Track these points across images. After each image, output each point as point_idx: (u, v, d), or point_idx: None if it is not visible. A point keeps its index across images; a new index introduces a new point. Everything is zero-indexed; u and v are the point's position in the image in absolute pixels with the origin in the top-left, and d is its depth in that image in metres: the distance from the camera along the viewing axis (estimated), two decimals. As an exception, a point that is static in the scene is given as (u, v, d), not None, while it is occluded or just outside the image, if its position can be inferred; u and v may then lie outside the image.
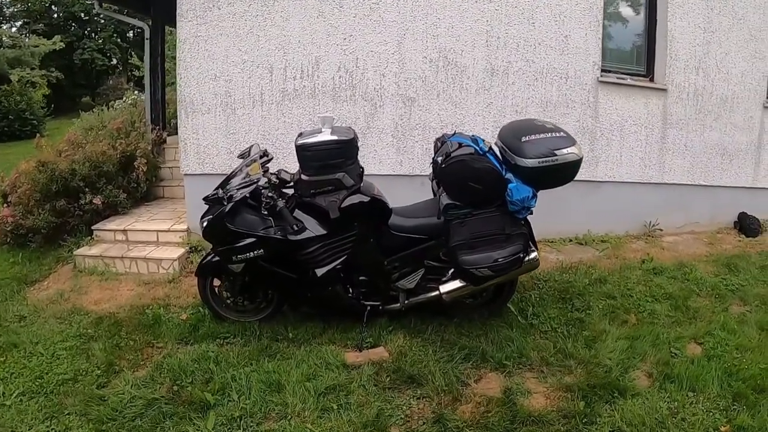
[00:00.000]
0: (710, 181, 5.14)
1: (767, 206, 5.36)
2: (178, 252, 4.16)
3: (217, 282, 3.27)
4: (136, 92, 7.61)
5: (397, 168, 4.57)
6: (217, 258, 3.07)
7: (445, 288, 3.05)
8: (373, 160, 4.42)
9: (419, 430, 2.40)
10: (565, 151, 2.72)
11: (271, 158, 3.14)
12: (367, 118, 4.43)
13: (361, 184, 2.97)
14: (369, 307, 3.10)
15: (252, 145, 3.26)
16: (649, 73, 4.93)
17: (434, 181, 3.18)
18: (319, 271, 2.94)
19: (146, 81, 6.24)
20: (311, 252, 2.91)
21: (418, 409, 2.54)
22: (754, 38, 4.88)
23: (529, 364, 2.92)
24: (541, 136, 2.77)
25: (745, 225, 5.13)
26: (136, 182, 4.79)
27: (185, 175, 4.37)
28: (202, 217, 3.00)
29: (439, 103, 4.52)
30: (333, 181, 2.87)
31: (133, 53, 14.96)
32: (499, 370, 2.86)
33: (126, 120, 5.00)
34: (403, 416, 2.49)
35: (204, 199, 2.96)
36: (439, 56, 4.43)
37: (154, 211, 4.86)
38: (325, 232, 2.93)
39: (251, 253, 2.89)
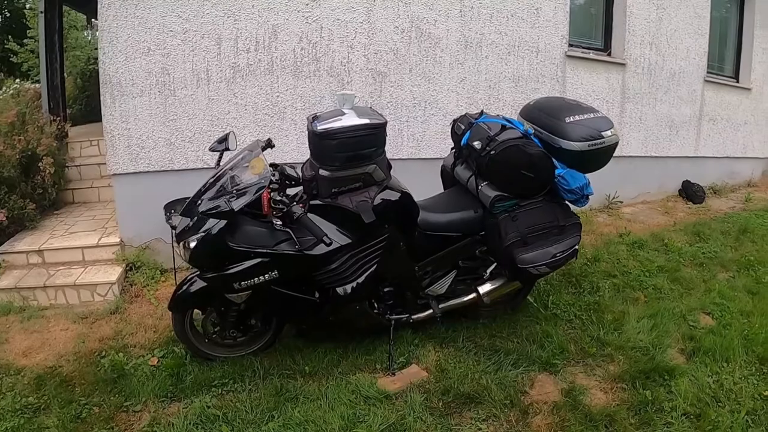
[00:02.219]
0: (660, 152, 5.73)
1: (707, 173, 6.15)
2: (114, 272, 3.53)
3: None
4: (17, 81, 6.32)
5: None
6: (201, 286, 2.62)
7: (484, 288, 2.98)
8: None
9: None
10: (609, 132, 2.78)
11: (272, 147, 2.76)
12: (333, 96, 4.12)
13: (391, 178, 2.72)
14: (393, 322, 2.90)
15: (228, 133, 2.82)
16: (607, 48, 5.30)
17: (456, 169, 3.04)
18: (345, 289, 2.64)
19: (42, 64, 5.45)
20: (337, 267, 2.60)
21: (490, 431, 2.43)
22: (698, 16, 5.48)
23: (571, 358, 2.99)
24: (585, 116, 2.78)
25: (691, 192, 5.81)
26: (42, 187, 3.95)
27: (114, 175, 3.69)
28: (182, 235, 2.48)
29: (412, 78, 4.39)
30: (362, 176, 2.56)
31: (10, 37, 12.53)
32: (548, 370, 2.88)
33: (19, 112, 4.06)
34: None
35: (204, 213, 2.41)
36: (412, 26, 4.28)
37: (70, 222, 4.07)
38: (349, 240, 2.61)
39: (262, 277, 2.47)
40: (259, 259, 2.46)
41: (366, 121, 2.49)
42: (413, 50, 4.33)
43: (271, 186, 2.56)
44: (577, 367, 2.91)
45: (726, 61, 6.32)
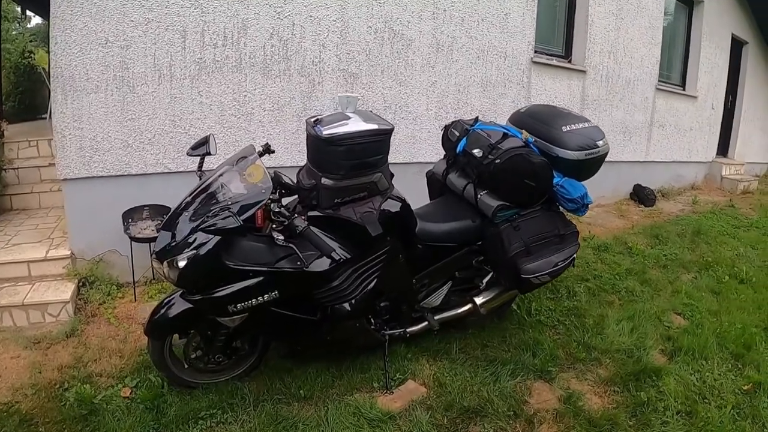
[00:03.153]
0: (615, 157, 6.05)
1: (655, 177, 6.59)
2: (66, 290, 3.23)
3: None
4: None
5: None
6: (183, 308, 2.40)
7: (480, 299, 2.98)
8: None
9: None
10: (601, 142, 2.88)
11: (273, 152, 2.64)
12: (303, 97, 4.03)
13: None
14: (388, 337, 2.83)
15: (208, 136, 2.66)
16: (568, 55, 5.54)
17: (449, 177, 3.04)
18: (345, 306, 2.51)
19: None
20: (340, 284, 2.48)
21: (501, 446, 2.45)
22: (652, 26, 5.87)
23: (562, 364, 3.07)
24: (580, 126, 2.87)
25: (643, 196, 6.21)
26: (-25, 195, 3.52)
27: (64, 180, 3.36)
28: (165, 253, 2.21)
29: (384, 81, 4.36)
30: (367, 185, 2.47)
31: None
32: (543, 377, 2.93)
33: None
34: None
35: (207, 229, 2.18)
36: (385, 26, 4.26)
37: (10, 232, 3.66)
38: (348, 255, 2.49)
39: (261, 298, 2.28)
40: (258, 279, 2.26)
41: (374, 126, 2.41)
42: (386, 51, 4.31)
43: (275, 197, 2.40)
44: (569, 372, 2.99)
45: (674, 69, 6.83)
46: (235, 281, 2.24)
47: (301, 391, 2.61)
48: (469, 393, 2.72)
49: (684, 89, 6.80)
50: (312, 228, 2.25)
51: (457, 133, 2.99)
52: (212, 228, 2.13)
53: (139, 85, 3.45)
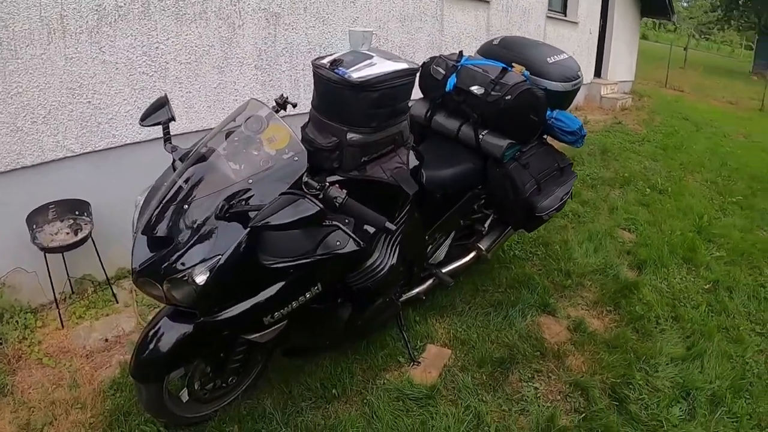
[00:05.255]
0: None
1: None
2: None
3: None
4: None
5: None
6: (182, 335, 1.86)
7: (485, 244, 2.94)
8: (234, 103, 3.59)
9: (577, 404, 2.40)
10: (580, 72, 2.92)
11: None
12: (223, 44, 3.47)
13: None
14: (401, 305, 2.64)
15: (163, 96, 2.13)
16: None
17: (436, 119, 2.85)
18: (377, 284, 2.19)
19: None
20: (375, 259, 2.17)
21: (545, 386, 2.51)
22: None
23: (554, 293, 3.22)
24: (562, 57, 2.86)
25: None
26: None
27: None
28: (159, 270, 1.71)
29: (306, 19, 3.95)
30: (396, 136, 2.18)
31: None
32: (547, 312, 3.05)
33: None
34: (546, 400, 2.42)
35: (219, 216, 1.72)
36: (302, -45, 3.77)
37: None
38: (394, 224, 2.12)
39: (302, 298, 1.87)
40: (300, 274, 1.85)
41: (404, 65, 2.10)
42: (305, -15, 3.85)
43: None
44: (562, 301, 3.16)
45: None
46: (270, 283, 1.81)
47: (334, 391, 2.35)
48: (492, 343, 2.73)
49: (566, 16, 7.26)
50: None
51: (442, 71, 2.78)
52: (262, 222, 1.58)
53: (24, 46, 2.61)
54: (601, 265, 3.53)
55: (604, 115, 7.94)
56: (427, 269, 2.78)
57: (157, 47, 3.12)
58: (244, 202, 1.73)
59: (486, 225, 2.98)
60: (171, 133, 2.08)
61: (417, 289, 2.74)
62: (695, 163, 6.02)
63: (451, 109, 2.82)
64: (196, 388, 2.09)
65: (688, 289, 3.36)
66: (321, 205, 1.59)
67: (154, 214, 1.78)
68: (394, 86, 2.05)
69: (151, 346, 1.88)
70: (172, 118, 2.07)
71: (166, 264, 1.69)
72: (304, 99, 3.98)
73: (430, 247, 2.77)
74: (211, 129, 3.48)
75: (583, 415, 2.29)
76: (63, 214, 2.83)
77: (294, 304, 1.87)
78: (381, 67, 2.03)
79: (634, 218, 4.30)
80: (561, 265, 3.49)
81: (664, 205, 4.65)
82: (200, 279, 1.66)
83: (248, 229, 1.67)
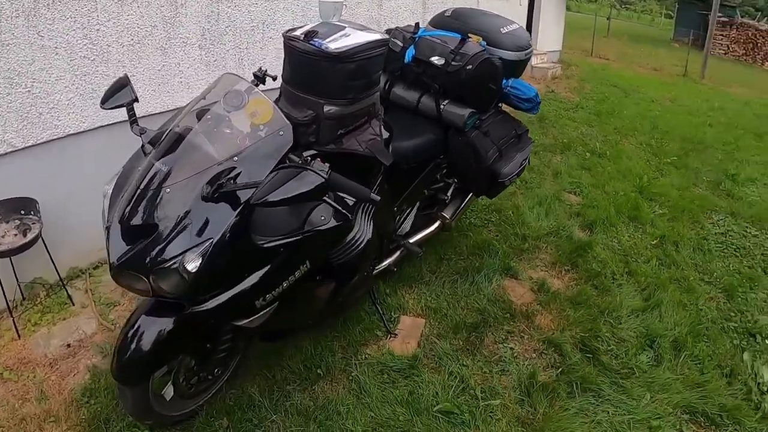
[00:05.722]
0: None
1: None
2: None
3: None
4: None
5: None
6: (165, 331, 1.78)
7: (449, 212, 3.02)
8: (179, 86, 3.46)
9: (553, 360, 2.55)
10: (530, 42, 2.99)
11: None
12: (166, 24, 3.30)
13: None
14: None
15: (124, 77, 2.01)
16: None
17: (394, 91, 2.86)
18: (356, 258, 2.18)
19: None
20: (355, 234, 2.15)
21: (519, 345, 2.63)
22: None
23: (513, 257, 3.34)
24: (513, 27, 2.92)
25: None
26: None
27: None
28: (144, 262, 1.63)
29: (249, -4, 3.80)
30: (370, 108, 2.17)
31: None
32: (509, 275, 3.19)
33: None
34: (524, 359, 2.54)
35: (207, 198, 1.64)
36: (239, -73, 3.61)
37: None
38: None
39: (292, 277, 1.84)
40: (290, 252, 1.80)
41: (378, 36, 2.09)
42: (245, -42, 3.70)
43: None
44: (521, 264, 3.29)
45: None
46: (262, 265, 1.76)
47: (318, 371, 2.36)
48: (463, 309, 2.83)
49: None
50: None
51: (400, 43, 2.78)
52: (264, 199, 1.49)
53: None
54: (554, 228, 3.71)
55: (537, 84, 8.19)
56: (395, 241, 2.82)
57: (98, 29, 2.92)
58: (231, 181, 1.66)
59: (448, 194, 3.05)
60: (136, 115, 1.96)
61: (386, 261, 2.77)
62: (628, 127, 6.37)
63: (410, 80, 2.84)
64: (181, 383, 2.02)
65: (638, 246, 3.60)
66: (325, 177, 1.53)
67: (131, 202, 1.68)
68: (369, 57, 2.04)
69: (133, 346, 1.78)
70: (136, 99, 1.96)
71: (151, 254, 1.61)
72: (248, 78, 3.91)
73: (398, 218, 2.81)
74: (158, 113, 3.38)
75: (560, 369, 2.44)
76: (8, 214, 2.62)
77: (285, 284, 1.84)
78: (355, 37, 2.02)
79: (578, 182, 4.51)
80: (516, 229, 3.64)
81: (604, 168, 4.90)
82: (192, 266, 1.59)
83: (239, 209, 1.62)
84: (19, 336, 2.59)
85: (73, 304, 2.82)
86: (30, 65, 2.67)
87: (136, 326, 1.80)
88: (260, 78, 2.05)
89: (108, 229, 1.71)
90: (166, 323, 1.79)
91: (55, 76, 2.77)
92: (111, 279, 2.51)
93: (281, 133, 1.76)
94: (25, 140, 2.71)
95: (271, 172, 1.61)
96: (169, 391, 2.00)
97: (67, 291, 2.85)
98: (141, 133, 1.91)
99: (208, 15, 3.55)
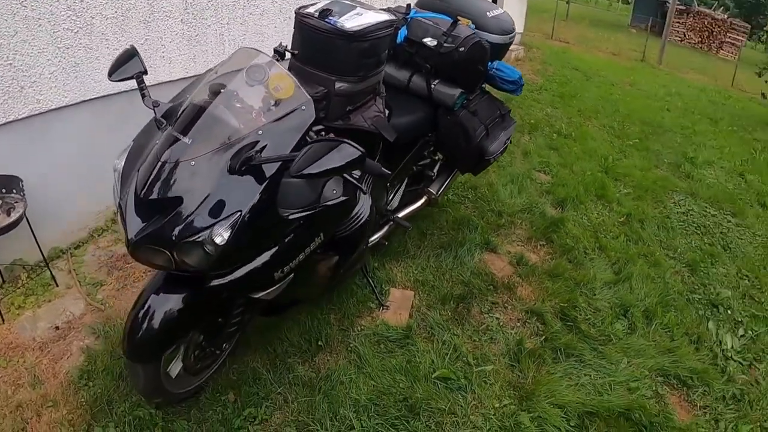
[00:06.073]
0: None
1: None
2: None
3: None
4: None
5: (190, 66, 3.67)
6: (179, 308, 1.79)
7: (436, 188, 3.14)
8: (161, 60, 3.41)
9: (536, 328, 2.73)
10: (514, 26, 3.10)
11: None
12: (148, -2, 3.23)
13: None
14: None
15: (131, 48, 1.98)
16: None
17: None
18: (360, 231, 2.25)
19: None
20: (359, 208, 2.21)
21: (504, 315, 2.80)
22: None
23: (491, 232, 3.50)
24: (498, 11, 3.02)
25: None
26: None
27: None
28: (184, 231, 1.61)
29: (229, -30, 3.74)
30: (375, 86, 2.28)
31: None
32: (489, 249, 3.34)
33: None
34: (509, 328, 2.70)
35: (234, 170, 1.64)
36: None
37: None
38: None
39: (308, 249, 1.88)
40: (307, 224, 1.83)
41: (388, 17, 2.20)
42: (224, -69, 3.63)
43: None
44: (499, 239, 3.45)
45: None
46: (283, 237, 1.79)
47: (319, 343, 2.45)
48: (448, 282, 2.96)
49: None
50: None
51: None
52: (304, 171, 1.49)
53: None
54: (527, 205, 3.88)
55: (501, 65, 8.41)
56: (385, 215, 2.92)
57: (81, 0, 2.83)
58: (257, 154, 1.67)
59: (435, 170, 3.17)
60: (145, 86, 1.92)
61: (377, 235, 2.86)
62: (591, 109, 6.63)
63: (401, 60, 2.91)
64: (190, 359, 2.04)
65: (606, 223, 3.83)
66: (362, 149, 1.55)
67: (151, 175, 1.66)
68: (380, 36, 2.15)
69: (145, 324, 1.77)
70: (145, 71, 1.93)
71: (177, 228, 1.61)
72: (228, 54, 3.84)
73: (389, 193, 2.92)
74: (134, 90, 3.32)
75: (544, 337, 2.62)
76: (-9, 193, 2.55)
77: (301, 256, 1.88)
78: (368, 17, 2.12)
79: (547, 161, 4.72)
80: (492, 206, 3.80)
81: (571, 148, 5.13)
82: (220, 239, 1.59)
83: (267, 181, 1.65)
84: (3, 320, 2.52)
85: (57, 285, 2.77)
86: (12, 37, 2.57)
87: (145, 306, 1.79)
88: (281, 53, 2.07)
89: (122, 204, 1.71)
90: (178, 299, 1.80)
91: (37, 48, 2.68)
92: (94, 258, 2.50)
93: (303, 108, 1.78)
94: (6, 116, 2.62)
95: (297, 145, 1.66)
96: (175, 368, 2.02)
97: (51, 272, 2.78)
98: (154, 106, 1.88)
99: (189, -11, 3.49)
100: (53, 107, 2.81)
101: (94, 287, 2.80)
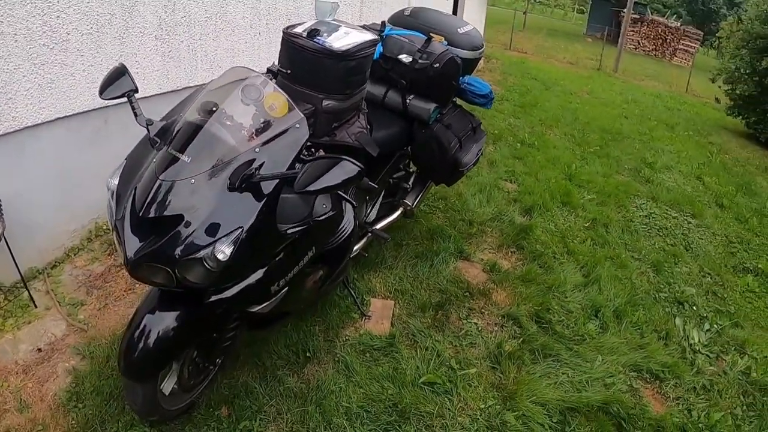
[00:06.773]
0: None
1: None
2: None
3: None
4: None
5: (164, 82, 3.69)
6: (173, 325, 1.80)
7: (410, 199, 3.25)
8: (136, 77, 3.31)
9: (513, 332, 2.85)
10: (483, 42, 3.25)
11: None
12: (125, 13, 3.23)
13: None
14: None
15: (121, 66, 2.01)
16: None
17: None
18: (347, 241, 2.33)
19: None
20: (345, 220, 2.30)
21: (482, 320, 2.92)
22: None
23: (463, 241, 3.62)
24: (468, 28, 3.17)
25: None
26: None
27: None
28: (187, 248, 1.63)
29: (201, -13, 3.77)
30: (359, 103, 2.38)
31: None
32: (462, 257, 3.47)
33: None
34: (488, 332, 2.82)
35: (234, 188, 1.68)
36: None
37: None
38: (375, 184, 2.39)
39: (302, 262, 1.96)
40: (301, 238, 1.88)
41: (371, 36, 2.30)
42: (196, -52, 3.67)
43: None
44: (470, 247, 3.58)
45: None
46: (279, 251, 1.84)
47: (307, 354, 2.51)
48: (426, 290, 3.06)
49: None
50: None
51: None
52: (308, 187, 1.57)
53: None
54: (496, 213, 4.04)
55: (461, 76, 8.66)
56: (363, 227, 2.99)
57: (58, 16, 2.82)
58: (256, 171, 1.70)
59: (410, 182, 3.30)
60: (137, 104, 1.94)
61: (357, 246, 2.94)
62: (551, 118, 6.91)
63: (377, 76, 2.99)
64: (184, 375, 2.06)
65: (572, 228, 4.03)
66: (361, 165, 1.62)
67: (149, 194, 1.68)
68: (365, 55, 2.26)
69: (142, 343, 1.77)
70: (136, 89, 1.96)
71: (179, 245, 1.63)
72: (201, 70, 3.91)
73: (367, 205, 3.01)
74: (114, 105, 3.31)
75: (522, 339, 2.76)
76: (-26, 213, 2.50)
77: (296, 269, 1.95)
78: (354, 36, 2.22)
79: (512, 170, 4.91)
80: (463, 215, 3.93)
81: (535, 157, 5.35)
82: (223, 255, 1.62)
83: (266, 198, 1.70)
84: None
85: (36, 307, 2.71)
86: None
87: (140, 325, 1.80)
88: (275, 73, 2.17)
89: (119, 223, 1.72)
90: (174, 317, 1.81)
91: (13, 64, 2.66)
92: (71, 278, 2.47)
93: (297, 126, 1.83)
94: (-11, 134, 2.60)
95: (292, 162, 1.73)
96: (168, 385, 2.02)
97: (30, 293, 2.74)
98: (148, 125, 1.89)
99: (165, 4, 3.50)
100: (29, 124, 2.79)
101: (74, 307, 2.76)
